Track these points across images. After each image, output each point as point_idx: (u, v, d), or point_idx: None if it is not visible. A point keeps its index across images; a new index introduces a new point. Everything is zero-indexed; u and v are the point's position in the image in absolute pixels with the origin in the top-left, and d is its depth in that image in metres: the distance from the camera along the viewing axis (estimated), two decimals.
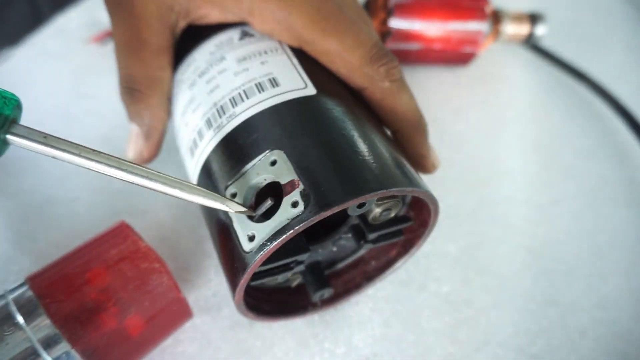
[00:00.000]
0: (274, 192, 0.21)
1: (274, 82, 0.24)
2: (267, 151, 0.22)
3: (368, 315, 0.30)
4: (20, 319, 0.22)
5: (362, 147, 0.22)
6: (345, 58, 0.25)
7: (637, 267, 0.34)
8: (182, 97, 0.27)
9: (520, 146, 0.40)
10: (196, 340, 0.29)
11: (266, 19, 0.26)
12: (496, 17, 0.41)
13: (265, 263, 0.23)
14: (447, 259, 0.33)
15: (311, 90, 0.24)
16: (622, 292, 0.33)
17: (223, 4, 0.26)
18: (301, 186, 0.21)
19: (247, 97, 0.24)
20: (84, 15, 0.43)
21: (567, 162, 0.39)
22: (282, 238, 0.20)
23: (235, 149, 0.23)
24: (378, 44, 0.26)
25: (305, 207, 0.20)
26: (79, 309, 0.23)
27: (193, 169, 0.26)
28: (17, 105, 0.19)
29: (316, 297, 0.28)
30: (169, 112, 0.29)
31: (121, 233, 0.26)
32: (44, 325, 0.22)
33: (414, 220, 0.27)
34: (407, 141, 0.28)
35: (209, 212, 0.25)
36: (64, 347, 0.22)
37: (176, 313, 0.26)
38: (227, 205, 0.22)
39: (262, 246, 0.21)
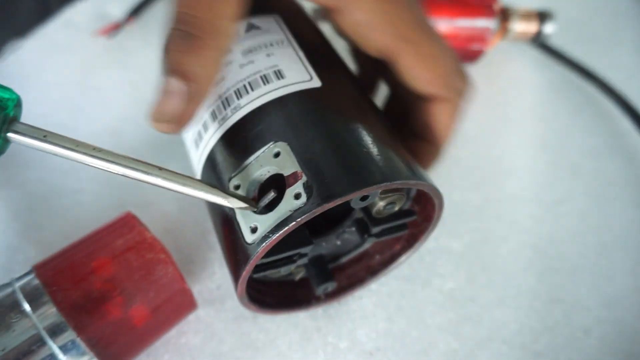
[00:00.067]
0: (278, 184, 0.21)
1: (279, 74, 0.24)
2: (271, 143, 0.22)
3: (372, 310, 0.30)
4: (26, 306, 0.23)
5: (366, 139, 0.22)
6: (439, 62, 0.25)
7: None
8: None
9: (526, 144, 0.39)
10: (200, 332, 0.29)
11: (370, 8, 0.24)
12: (504, 15, 0.41)
13: (267, 255, 0.23)
14: (452, 256, 0.33)
15: (316, 83, 0.24)
16: (627, 291, 0.32)
17: None
18: (304, 178, 0.21)
19: (252, 89, 0.24)
20: (92, 8, 0.44)
21: (574, 160, 0.39)
22: (284, 230, 0.20)
23: (239, 140, 0.23)
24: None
25: (308, 198, 0.20)
26: (84, 298, 0.23)
27: (197, 161, 0.26)
28: (17, 103, 0.19)
29: (320, 290, 0.28)
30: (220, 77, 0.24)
31: (127, 223, 0.26)
32: (50, 313, 0.23)
33: (419, 214, 0.27)
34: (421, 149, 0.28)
35: (213, 204, 0.25)
36: (69, 335, 0.23)
37: (181, 304, 0.27)
38: (228, 201, 0.21)
39: (264, 238, 0.21)
